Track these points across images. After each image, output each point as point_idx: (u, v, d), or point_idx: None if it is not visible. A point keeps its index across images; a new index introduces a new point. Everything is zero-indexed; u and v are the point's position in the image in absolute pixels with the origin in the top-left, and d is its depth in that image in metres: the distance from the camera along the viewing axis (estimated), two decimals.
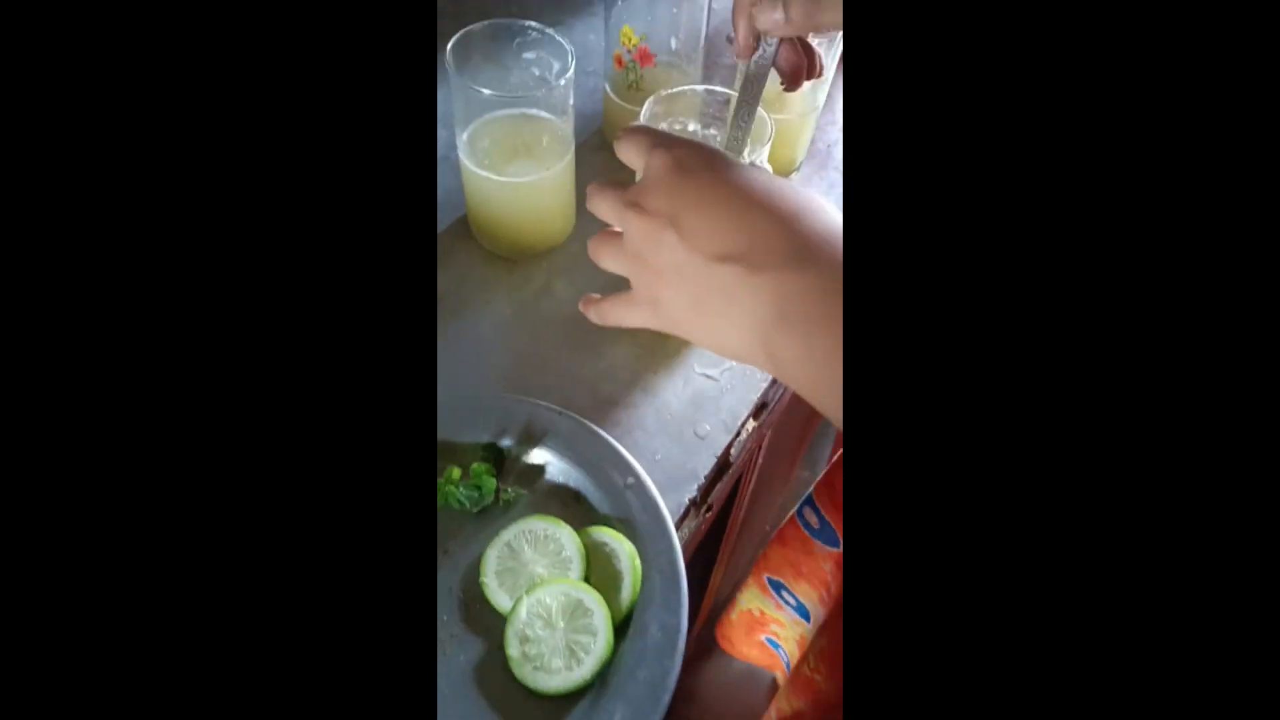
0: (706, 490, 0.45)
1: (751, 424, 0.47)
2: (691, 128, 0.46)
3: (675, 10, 0.51)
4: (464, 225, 0.54)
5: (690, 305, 0.30)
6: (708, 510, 0.47)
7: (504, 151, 0.47)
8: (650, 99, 0.42)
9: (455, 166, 0.57)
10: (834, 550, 0.71)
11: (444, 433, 0.43)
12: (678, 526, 0.42)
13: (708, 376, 0.48)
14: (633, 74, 0.54)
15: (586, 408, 0.46)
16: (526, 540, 0.40)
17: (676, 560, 0.39)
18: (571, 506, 0.42)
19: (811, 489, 0.66)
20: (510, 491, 0.42)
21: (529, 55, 0.48)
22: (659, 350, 0.49)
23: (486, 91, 0.44)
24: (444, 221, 0.55)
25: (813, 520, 0.72)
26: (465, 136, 0.47)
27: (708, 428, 0.45)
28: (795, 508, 0.74)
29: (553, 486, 0.43)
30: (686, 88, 0.44)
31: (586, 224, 0.55)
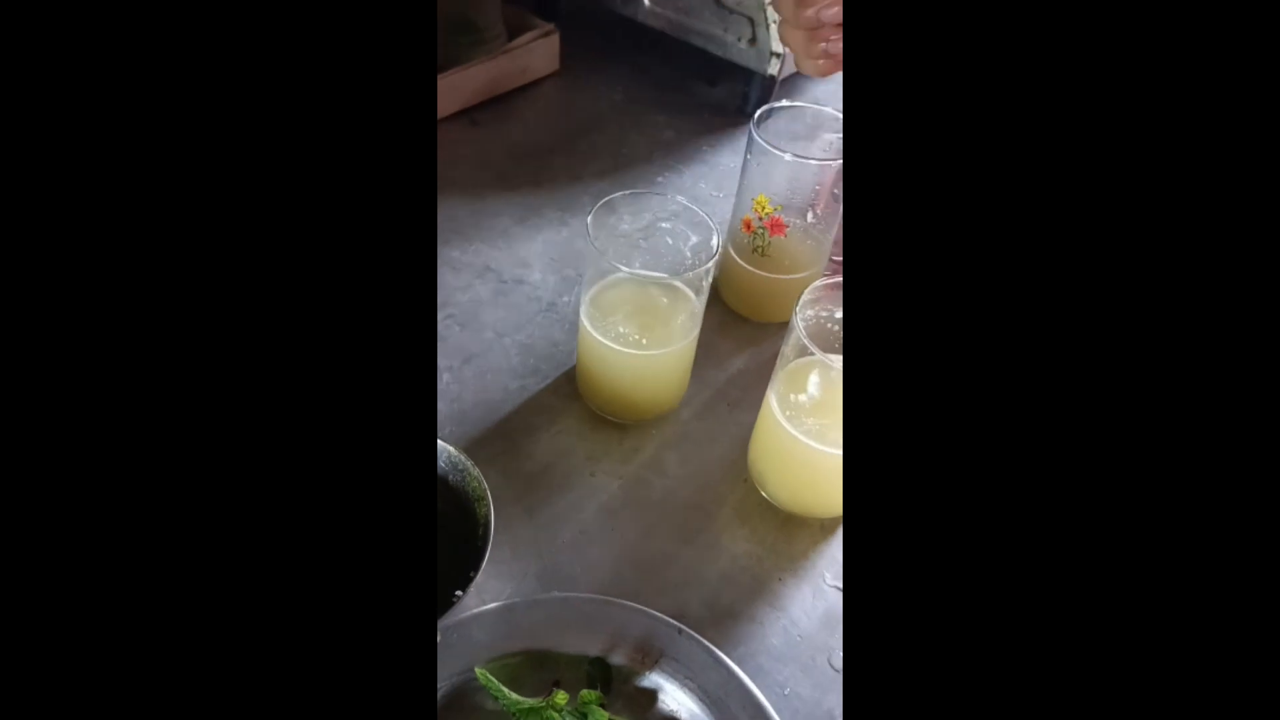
0: None
1: None
2: (839, 314, 0.43)
3: (817, 186, 0.48)
4: (569, 382, 0.51)
5: None
6: None
7: (632, 320, 0.44)
8: (808, 290, 0.39)
9: (562, 318, 0.55)
10: None
11: (547, 640, 0.38)
12: None
13: (841, 590, 0.42)
14: (760, 240, 0.51)
15: (704, 619, 0.40)
16: None
17: None
18: None
19: None
20: None
21: (665, 224, 0.45)
22: (783, 550, 0.44)
23: (624, 269, 0.41)
24: (549, 376, 0.51)
25: None
26: (589, 298, 0.44)
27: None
28: None
29: (667, 719, 0.37)
30: (837, 278, 0.41)
31: (696, 389, 0.51)
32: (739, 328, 0.55)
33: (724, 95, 0.78)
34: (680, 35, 0.75)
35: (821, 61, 0.39)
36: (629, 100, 0.76)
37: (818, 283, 0.40)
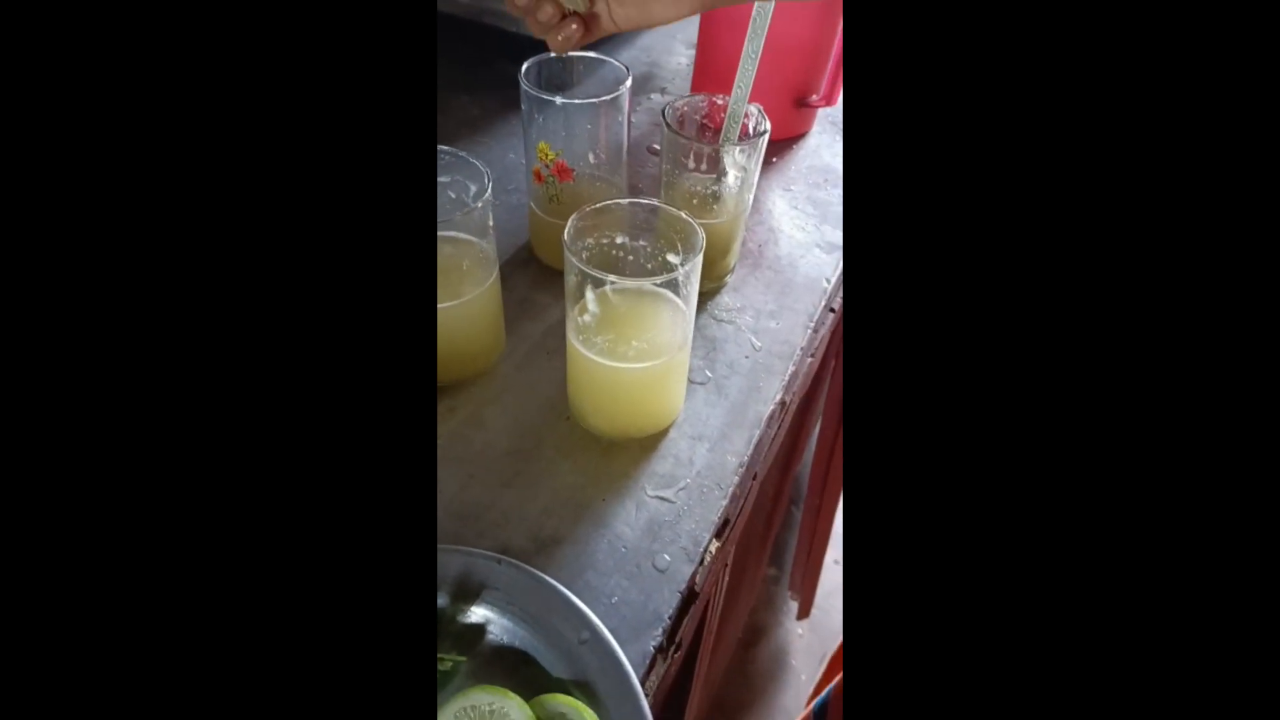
0: (673, 630, 0.40)
1: (715, 545, 0.43)
2: (620, 239, 0.44)
3: (590, 126, 0.50)
4: None
5: None
6: (676, 650, 0.42)
7: None
8: (575, 214, 0.40)
9: None
10: None
11: None
12: (644, 680, 0.37)
13: (662, 499, 0.44)
14: (552, 188, 0.52)
15: (529, 550, 0.41)
16: (470, 718, 0.34)
17: None
18: (520, 671, 0.36)
19: None
20: (447, 661, 0.36)
21: (444, 179, 0.46)
22: (604, 474, 0.45)
23: None
24: None
25: None
26: None
27: (668, 558, 0.41)
28: None
29: (496, 649, 0.37)
30: (610, 201, 0.42)
31: (516, 344, 0.52)
32: (553, 281, 0.56)
33: None
34: (475, 17, 0.75)
35: (560, 38, 0.39)
36: None
37: (581, 209, 0.41)
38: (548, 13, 0.38)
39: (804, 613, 1.24)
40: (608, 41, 0.83)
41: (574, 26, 0.39)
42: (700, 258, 0.39)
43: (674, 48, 0.88)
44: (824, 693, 0.63)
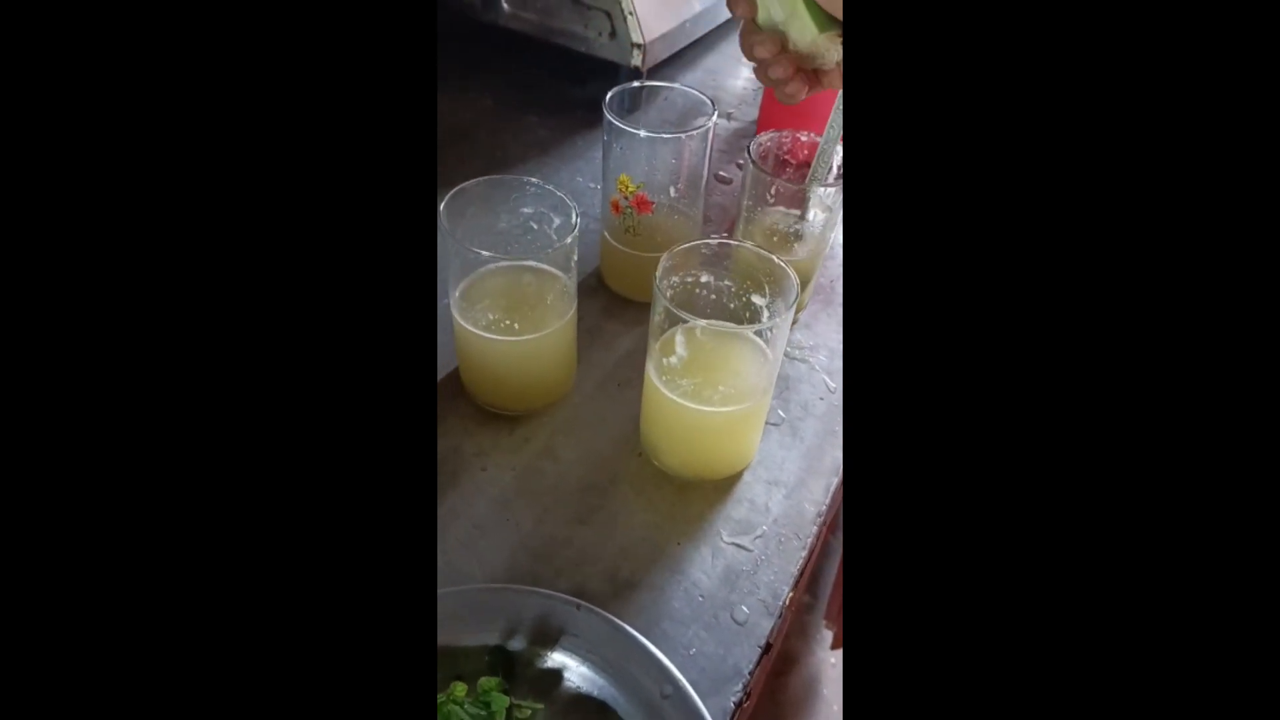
0: (747, 683, 0.39)
1: (790, 596, 0.42)
2: (704, 278, 0.44)
3: (675, 160, 0.49)
4: (452, 382, 0.50)
5: None
6: (746, 700, 0.41)
7: (501, 308, 0.44)
8: (665, 255, 0.40)
9: (441, 321, 0.54)
10: None
11: (444, 636, 0.37)
12: None
13: (739, 546, 0.43)
14: (629, 219, 0.52)
15: (605, 594, 0.40)
16: None
17: None
18: None
19: None
20: (525, 707, 0.35)
21: (526, 210, 0.45)
22: (679, 516, 0.44)
23: (484, 253, 0.41)
24: None
25: None
26: (458, 293, 0.44)
27: (746, 610, 0.40)
28: None
29: (574, 697, 0.36)
30: (699, 242, 0.41)
31: (585, 373, 0.51)
32: (624, 310, 0.56)
33: (595, 92, 0.78)
34: (543, 36, 0.75)
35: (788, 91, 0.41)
36: (500, 105, 0.76)
37: (674, 249, 0.40)
38: (780, 71, 0.40)
39: (838, 643, 1.22)
40: (669, 65, 0.83)
41: (801, 83, 0.41)
42: (794, 308, 0.39)
43: (737, 70, 0.87)
44: None
